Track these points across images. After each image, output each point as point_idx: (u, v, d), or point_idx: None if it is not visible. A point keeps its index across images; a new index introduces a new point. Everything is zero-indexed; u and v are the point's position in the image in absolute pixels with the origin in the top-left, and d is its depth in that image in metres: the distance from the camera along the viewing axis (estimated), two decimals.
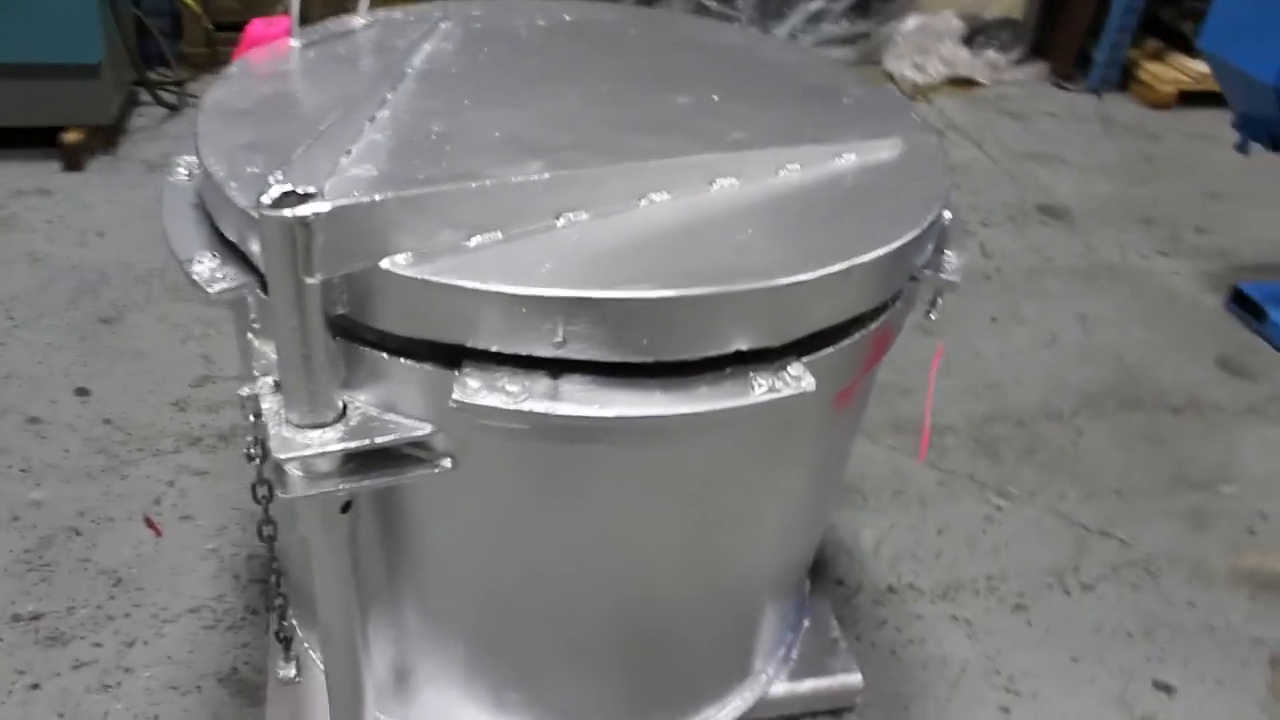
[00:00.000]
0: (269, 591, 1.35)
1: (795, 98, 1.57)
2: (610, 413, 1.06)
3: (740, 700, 1.67)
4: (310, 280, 1.01)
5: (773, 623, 1.67)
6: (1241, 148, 3.09)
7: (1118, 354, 2.94)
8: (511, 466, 1.21)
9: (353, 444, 1.10)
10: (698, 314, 1.07)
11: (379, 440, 1.12)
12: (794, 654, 1.77)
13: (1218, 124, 4.79)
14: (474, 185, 1.10)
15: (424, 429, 1.13)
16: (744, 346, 1.11)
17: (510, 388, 1.06)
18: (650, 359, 1.09)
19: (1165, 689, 1.92)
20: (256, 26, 1.52)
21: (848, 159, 1.38)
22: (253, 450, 1.22)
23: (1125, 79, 5.13)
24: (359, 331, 1.10)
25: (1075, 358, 2.88)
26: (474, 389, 1.05)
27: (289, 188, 0.99)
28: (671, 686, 1.57)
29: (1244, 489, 2.45)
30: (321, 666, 1.60)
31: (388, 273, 1.04)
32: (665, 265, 1.10)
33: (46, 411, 2.21)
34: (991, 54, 5.16)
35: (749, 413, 1.11)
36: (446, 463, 1.17)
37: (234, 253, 1.20)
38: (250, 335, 1.22)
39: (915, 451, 2.42)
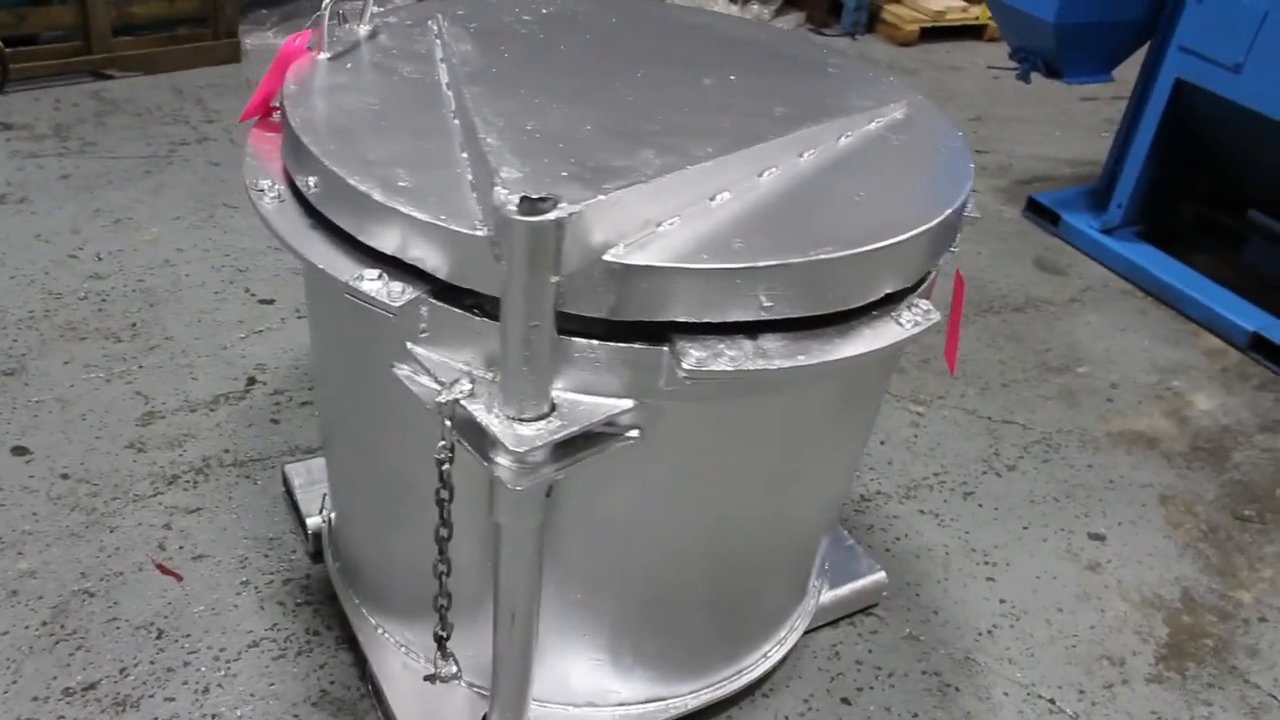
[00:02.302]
0: (437, 593, 1.38)
1: (792, 71, 1.73)
2: (814, 360, 1.20)
3: (803, 618, 1.86)
4: (554, 279, 1.08)
5: (824, 544, 1.87)
6: (1023, 77, 3.56)
7: (958, 267, 3.34)
8: (692, 426, 1.32)
9: (574, 429, 1.18)
10: (868, 266, 1.23)
11: (592, 423, 1.20)
12: (826, 566, 1.98)
13: (958, 55, 5.44)
14: (668, 178, 1.19)
15: (625, 405, 1.22)
16: (891, 290, 1.29)
17: (729, 352, 1.18)
18: (828, 310, 1.24)
19: (1098, 537, 2.30)
20: (291, 45, 1.50)
21: (879, 123, 1.57)
22: (444, 455, 1.26)
23: (873, 21, 5.66)
24: (566, 323, 1.17)
25: None
26: (699, 358, 1.16)
27: (524, 195, 1.05)
28: (760, 615, 1.73)
29: (1093, 366, 2.91)
30: (415, 665, 1.64)
31: (612, 264, 1.13)
32: (825, 228, 1.25)
33: None
34: (756, 6, 5.54)
35: (900, 346, 1.29)
36: (634, 433, 1.27)
37: (393, 266, 1.22)
38: (412, 345, 1.25)
39: None
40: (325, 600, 1.86)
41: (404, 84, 1.49)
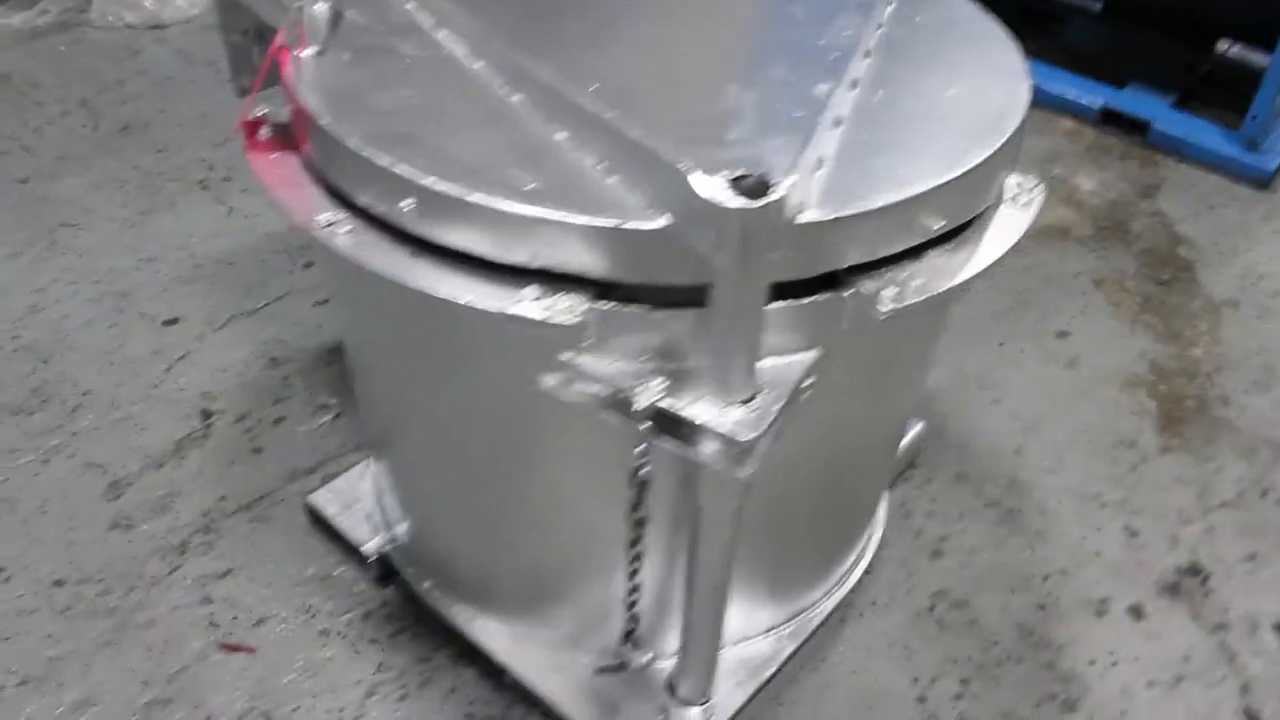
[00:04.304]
0: (626, 592, 1.32)
1: None
2: (981, 265, 1.20)
3: (886, 493, 1.91)
4: (773, 256, 1.01)
5: None
6: None
7: None
8: (851, 355, 1.29)
9: (787, 396, 1.13)
10: (1003, 159, 1.22)
11: (795, 384, 1.15)
12: None
13: None
14: (824, 120, 1.13)
15: (812, 356, 1.18)
16: (1006, 175, 1.29)
17: (915, 281, 1.15)
18: (973, 214, 1.23)
19: (1063, 334, 2.47)
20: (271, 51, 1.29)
21: (893, 5, 1.50)
22: (641, 461, 1.18)
23: None
24: None
25: None
26: (894, 294, 1.13)
27: (729, 176, 0.98)
28: (869, 504, 1.77)
29: None
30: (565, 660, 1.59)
31: (811, 223, 1.06)
32: (954, 131, 1.22)
33: None
34: None
35: (1031, 227, 1.30)
36: (810, 380, 1.23)
37: (537, 277, 1.10)
38: (571, 355, 1.15)
39: None
40: (416, 621, 1.75)
41: (420, 67, 1.31)
